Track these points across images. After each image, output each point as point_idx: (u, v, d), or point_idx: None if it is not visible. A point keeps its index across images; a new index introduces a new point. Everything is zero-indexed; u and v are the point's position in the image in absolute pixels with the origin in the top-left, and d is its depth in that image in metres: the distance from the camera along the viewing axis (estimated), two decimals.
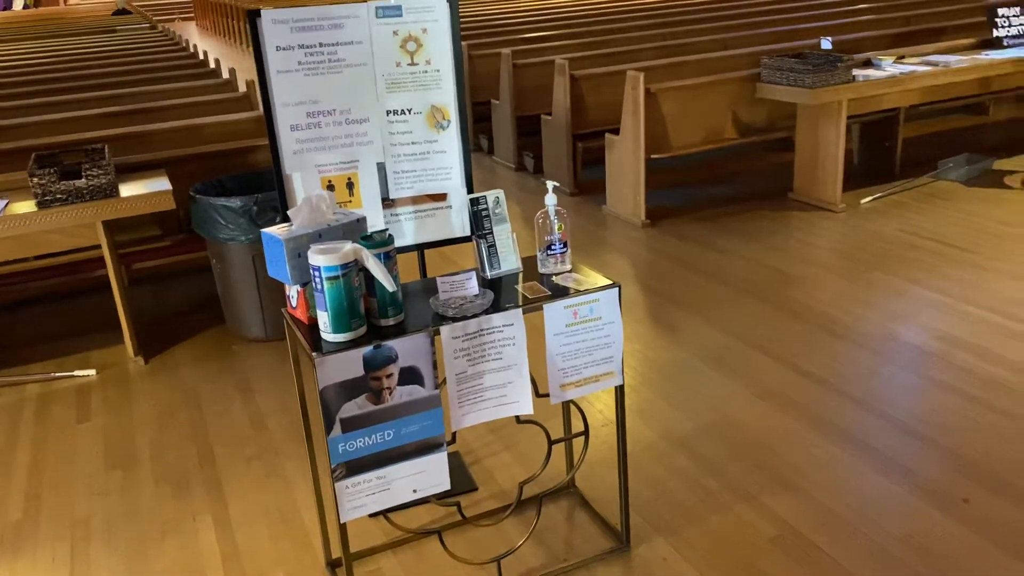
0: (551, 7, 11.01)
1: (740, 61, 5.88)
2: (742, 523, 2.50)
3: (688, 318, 3.91)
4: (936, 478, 2.64)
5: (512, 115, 6.56)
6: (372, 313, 2.00)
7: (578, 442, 2.64)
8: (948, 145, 6.30)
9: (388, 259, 1.97)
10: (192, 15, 26.34)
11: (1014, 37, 5.74)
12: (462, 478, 2.77)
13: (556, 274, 2.26)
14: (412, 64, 2.38)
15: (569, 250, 2.29)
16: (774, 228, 4.97)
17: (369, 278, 1.97)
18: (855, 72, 5.04)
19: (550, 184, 2.26)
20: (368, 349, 1.92)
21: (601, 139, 5.48)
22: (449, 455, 2.89)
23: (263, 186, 4.05)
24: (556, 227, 2.26)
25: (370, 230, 2.07)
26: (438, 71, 2.41)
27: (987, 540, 2.36)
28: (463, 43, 7.14)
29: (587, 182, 5.96)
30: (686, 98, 5.20)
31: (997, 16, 5.75)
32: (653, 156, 5.18)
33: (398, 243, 2.51)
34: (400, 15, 2.35)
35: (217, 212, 3.70)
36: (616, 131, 5.30)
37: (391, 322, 2.01)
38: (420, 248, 2.58)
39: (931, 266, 4.26)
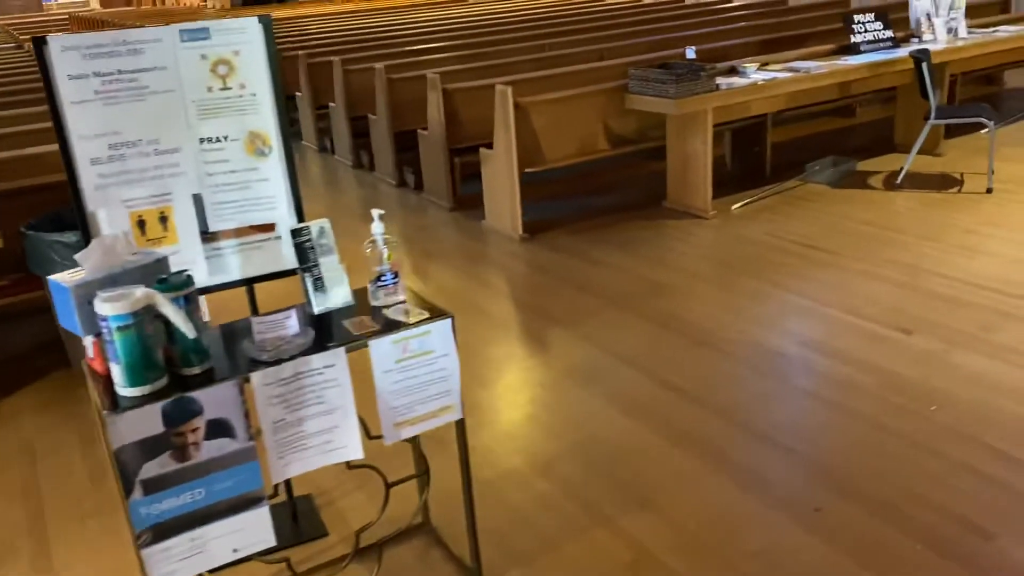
0: (430, 19, 10.93)
1: (612, 72, 5.91)
2: (598, 549, 2.44)
3: (560, 333, 3.85)
4: (791, 488, 2.64)
5: (390, 130, 6.43)
6: (175, 362, 1.85)
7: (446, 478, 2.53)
8: (816, 148, 6.50)
9: (188, 302, 1.82)
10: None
11: (870, 42, 5.95)
12: (312, 523, 2.62)
13: (388, 306, 2.15)
14: (225, 89, 2.24)
15: (401, 280, 2.19)
16: (648, 237, 4.99)
17: (170, 324, 1.81)
18: (719, 80, 5.12)
19: (375, 212, 2.15)
20: (167, 403, 1.77)
21: (479, 153, 5.40)
22: (299, 499, 2.74)
23: None
24: (385, 256, 2.15)
25: (181, 268, 1.92)
26: (254, 95, 2.27)
27: (837, 550, 2.36)
28: (336, 58, 6.98)
29: (467, 196, 5.87)
30: (557, 111, 5.18)
31: (853, 23, 5.95)
32: (527, 170, 5.13)
33: (222, 278, 2.36)
34: (208, 38, 2.20)
35: (51, 248, 3.45)
36: (491, 145, 5.24)
37: (196, 371, 1.86)
38: (249, 283, 2.43)
39: (796, 269, 4.34)
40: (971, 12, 7.29)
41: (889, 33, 6.05)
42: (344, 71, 6.96)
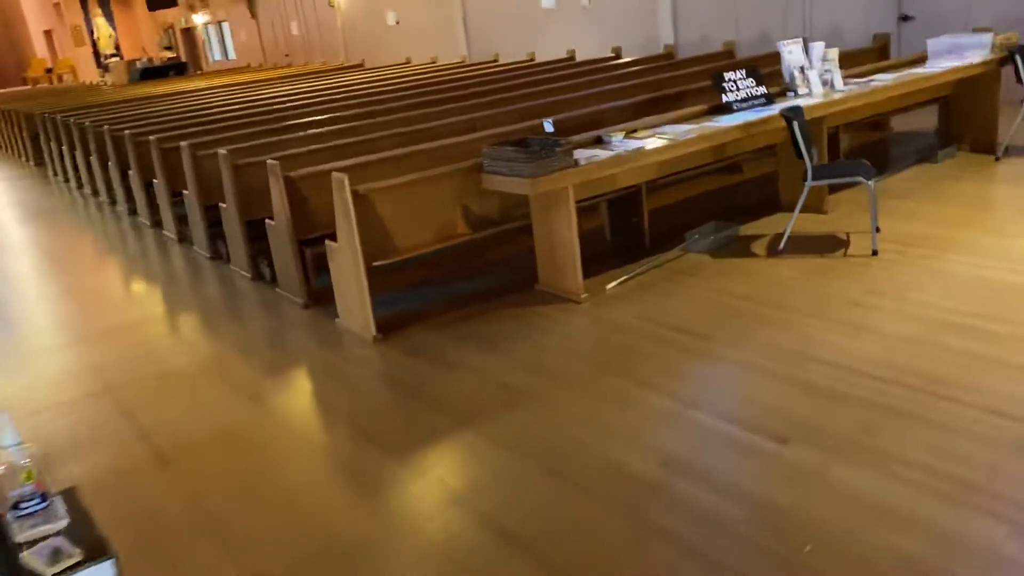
0: (310, 90, 10.46)
1: (472, 148, 5.47)
2: None
3: (394, 472, 3.30)
4: None
5: (240, 220, 5.86)
6: None
7: None
8: (701, 210, 6.17)
9: None
10: None
11: (742, 101, 5.66)
12: None
13: (32, 543, 1.58)
14: None
15: (55, 502, 1.62)
16: (513, 329, 4.50)
17: None
18: (580, 154, 4.72)
19: (3, 417, 1.59)
20: None
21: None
22: None
23: None
24: (22, 475, 1.58)
25: None
26: None
27: None
28: (184, 143, 6.42)
29: (324, 290, 5.30)
30: (406, 196, 4.70)
31: (724, 81, 5.66)
32: (376, 263, 4.62)
33: None
34: None
35: None
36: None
37: None
38: None
39: (667, 362, 3.89)
40: (848, 60, 7.14)
41: (762, 90, 5.78)
42: (194, 156, 6.40)
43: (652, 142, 4.96)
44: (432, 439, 3.49)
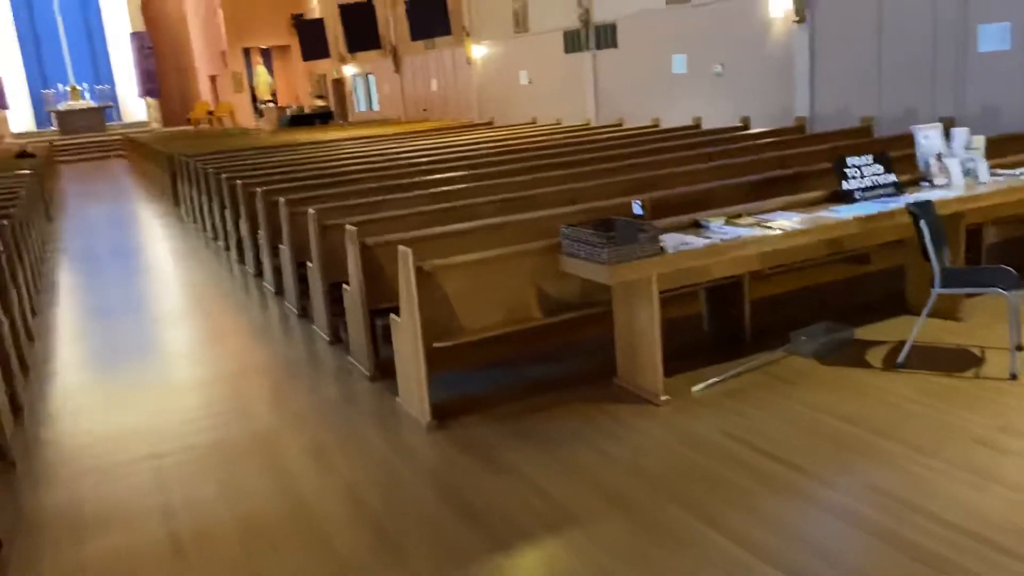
0: (422, 149, 10.46)
1: (568, 222, 5.11)
2: None
3: None
4: None
5: (324, 281, 5.74)
6: None
7: None
8: (814, 305, 5.54)
9: None
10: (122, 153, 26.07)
11: (866, 189, 5.05)
12: None
13: None
14: None
15: None
16: (580, 431, 4.06)
17: None
18: (669, 239, 4.27)
19: None
20: None
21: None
22: None
23: None
24: None
25: None
26: None
27: None
28: (281, 197, 6.40)
29: (391, 363, 5.02)
30: (476, 274, 4.39)
31: (847, 167, 5.07)
32: (437, 344, 4.31)
33: None
34: None
35: None
36: None
37: None
38: None
39: (745, 495, 3.35)
40: (1001, 147, 6.35)
41: (891, 178, 5.15)
42: (291, 212, 6.37)
43: (755, 231, 4.45)
44: (457, 561, 3.10)
